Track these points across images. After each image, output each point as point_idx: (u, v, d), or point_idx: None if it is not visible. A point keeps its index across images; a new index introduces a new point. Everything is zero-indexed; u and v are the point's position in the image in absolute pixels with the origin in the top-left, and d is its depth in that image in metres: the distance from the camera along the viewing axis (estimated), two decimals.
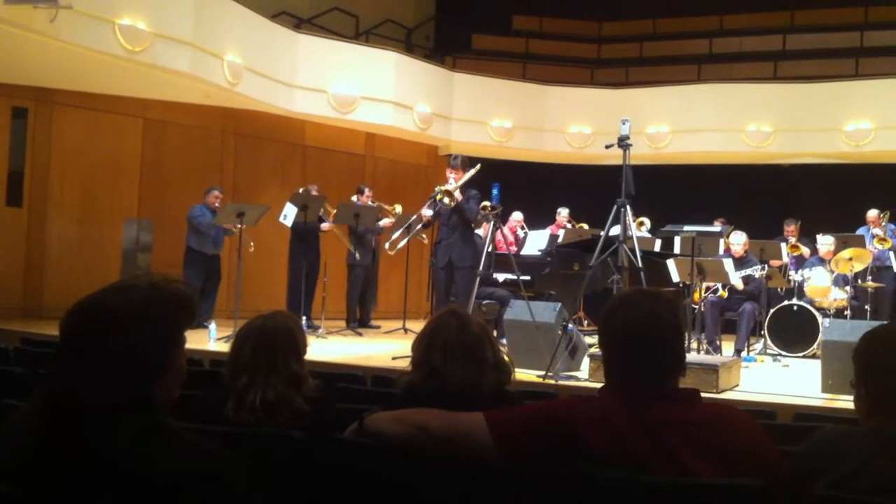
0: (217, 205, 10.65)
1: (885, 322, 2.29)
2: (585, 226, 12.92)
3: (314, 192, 10.98)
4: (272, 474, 2.55)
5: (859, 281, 10.43)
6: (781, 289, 11.11)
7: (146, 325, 1.72)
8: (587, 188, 13.66)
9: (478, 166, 8.81)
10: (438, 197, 8.64)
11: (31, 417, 1.70)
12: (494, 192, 13.44)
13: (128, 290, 1.76)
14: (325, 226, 11.04)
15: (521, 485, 2.23)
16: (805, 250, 11.54)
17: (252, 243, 10.17)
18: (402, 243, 9.58)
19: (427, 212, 8.97)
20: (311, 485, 2.62)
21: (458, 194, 8.63)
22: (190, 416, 2.95)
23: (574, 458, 2.15)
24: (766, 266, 9.86)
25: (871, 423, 2.17)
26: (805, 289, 10.40)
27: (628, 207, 7.24)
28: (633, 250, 7.20)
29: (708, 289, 9.88)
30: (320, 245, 11.25)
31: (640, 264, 7.11)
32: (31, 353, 5.77)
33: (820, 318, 9.79)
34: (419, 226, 9.34)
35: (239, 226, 9.74)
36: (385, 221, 11.51)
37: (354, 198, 11.67)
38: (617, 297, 2.44)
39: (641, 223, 12.49)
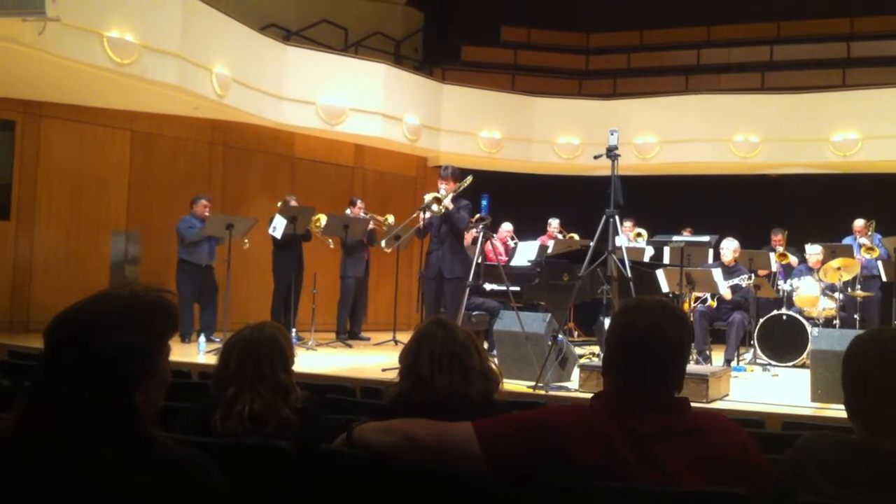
0: (207, 214, 10.59)
1: (865, 330, 2.29)
2: (576, 236, 12.94)
3: (293, 203, 10.97)
4: (259, 485, 2.54)
5: (848, 290, 10.45)
6: (772, 296, 11.14)
7: (127, 332, 1.71)
8: (576, 199, 13.69)
9: (469, 178, 8.81)
10: (428, 202, 8.64)
11: (13, 426, 1.69)
12: (484, 203, 13.46)
13: (109, 299, 1.76)
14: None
15: (508, 495, 2.22)
16: (793, 259, 11.58)
17: (246, 241, 10.14)
18: (398, 243, 9.56)
19: (422, 215, 8.95)
20: (297, 495, 2.61)
21: (448, 202, 8.62)
22: (177, 426, 2.94)
23: (562, 469, 2.14)
24: (752, 276, 9.89)
25: (854, 433, 2.17)
26: (794, 298, 10.42)
27: (617, 218, 7.26)
28: (622, 260, 7.21)
29: (697, 299, 9.89)
30: (303, 256, 11.22)
31: (629, 274, 7.12)
32: (18, 365, 5.75)
33: (809, 328, 9.82)
34: (413, 230, 9.30)
35: (227, 238, 9.75)
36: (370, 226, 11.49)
37: (348, 211, 11.66)
38: (631, 301, 2.44)
39: (639, 234, 12.53)
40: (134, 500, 1.63)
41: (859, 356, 2.18)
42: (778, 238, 12.19)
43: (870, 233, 11.37)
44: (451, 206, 8.64)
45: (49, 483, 1.63)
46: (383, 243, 9.44)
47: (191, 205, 10.72)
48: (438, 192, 8.76)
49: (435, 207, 8.60)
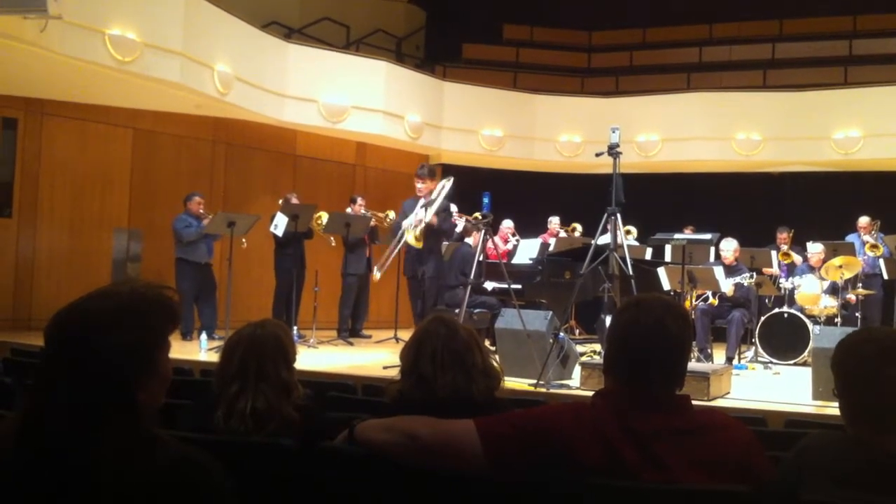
0: (201, 211, 10.57)
1: (855, 330, 2.31)
2: (578, 226, 13.00)
3: (294, 201, 10.98)
4: (261, 483, 2.54)
5: (849, 288, 10.45)
6: (769, 299, 11.12)
7: (128, 330, 1.71)
8: (577, 197, 13.70)
9: (451, 180, 8.79)
10: (413, 225, 8.59)
11: (15, 425, 1.69)
12: (485, 200, 13.43)
13: (110, 296, 1.76)
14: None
15: (510, 494, 2.22)
16: (797, 258, 11.57)
17: (244, 240, 10.14)
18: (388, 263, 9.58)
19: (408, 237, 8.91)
20: (300, 493, 2.61)
21: (431, 218, 8.59)
22: (179, 424, 2.94)
23: (564, 468, 2.14)
24: (754, 274, 9.89)
25: (853, 434, 2.17)
26: (795, 296, 10.42)
27: (618, 216, 7.25)
28: (623, 258, 7.21)
29: (699, 297, 9.90)
30: (305, 253, 11.22)
31: (631, 272, 7.12)
32: (20, 363, 5.75)
33: (810, 326, 9.82)
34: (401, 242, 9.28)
35: (229, 235, 9.74)
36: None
37: (349, 209, 11.66)
38: (633, 298, 2.44)
39: (628, 232, 12.51)
40: (137, 499, 1.63)
41: (859, 356, 2.18)
42: (783, 236, 12.18)
43: (874, 231, 11.35)
44: (435, 222, 8.63)
45: (51, 482, 1.63)
46: (375, 270, 9.46)
47: (184, 203, 10.67)
48: (416, 188, 8.76)
49: (423, 221, 8.57)
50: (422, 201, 8.75)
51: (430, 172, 8.82)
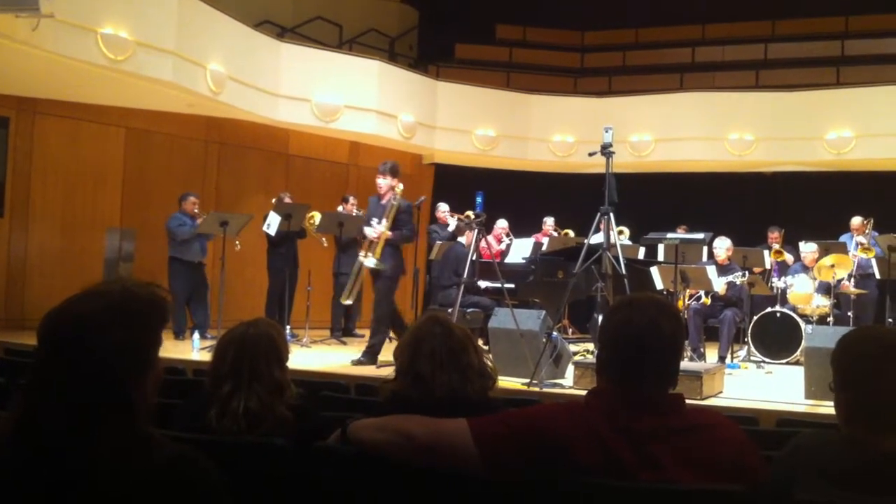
0: (196, 210, 10.57)
1: (858, 327, 2.33)
2: (571, 232, 12.97)
3: (287, 200, 10.97)
4: (255, 483, 2.54)
5: (840, 286, 10.47)
6: (767, 293, 11.14)
7: (121, 328, 1.71)
8: (571, 196, 13.72)
9: (398, 196, 8.75)
10: (372, 238, 8.55)
11: (11, 425, 1.69)
12: (478, 200, 13.43)
13: (101, 295, 1.75)
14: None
15: (506, 493, 2.22)
16: (789, 257, 11.58)
17: (238, 242, 10.13)
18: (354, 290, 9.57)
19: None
20: (293, 493, 2.61)
21: (384, 231, 8.51)
22: (172, 424, 2.94)
23: (558, 468, 2.14)
24: (746, 273, 9.91)
25: (848, 432, 2.17)
26: (788, 296, 10.44)
27: (611, 215, 7.25)
28: (616, 258, 7.21)
29: (691, 296, 9.91)
30: (298, 253, 11.21)
31: (624, 272, 7.13)
32: (12, 362, 5.74)
33: (803, 325, 9.83)
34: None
35: (222, 235, 9.72)
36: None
37: (340, 208, 11.66)
38: (625, 298, 2.43)
39: (621, 231, 12.53)
40: (135, 498, 1.63)
41: (858, 355, 2.18)
42: (774, 235, 12.21)
43: (867, 231, 11.36)
44: (390, 235, 8.58)
45: (49, 481, 1.62)
46: (343, 298, 9.40)
47: (179, 202, 10.69)
48: (377, 185, 8.73)
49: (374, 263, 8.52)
50: (374, 223, 8.64)
51: (391, 169, 8.76)
